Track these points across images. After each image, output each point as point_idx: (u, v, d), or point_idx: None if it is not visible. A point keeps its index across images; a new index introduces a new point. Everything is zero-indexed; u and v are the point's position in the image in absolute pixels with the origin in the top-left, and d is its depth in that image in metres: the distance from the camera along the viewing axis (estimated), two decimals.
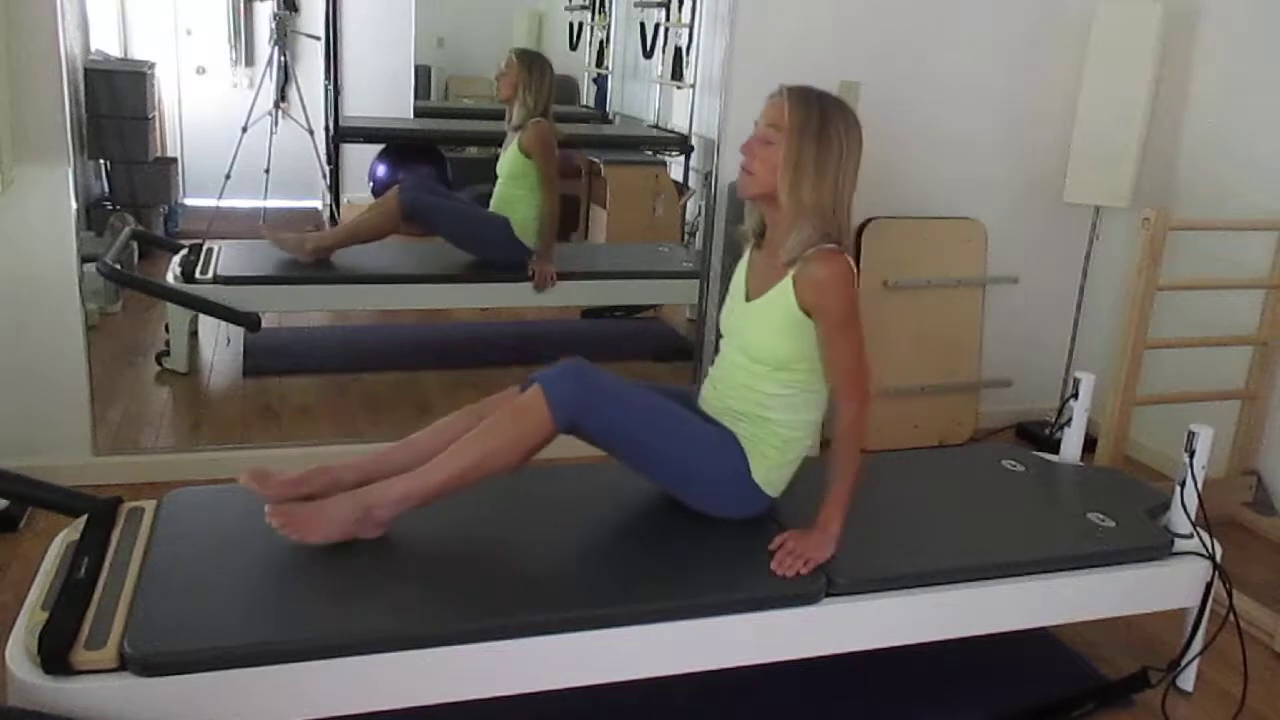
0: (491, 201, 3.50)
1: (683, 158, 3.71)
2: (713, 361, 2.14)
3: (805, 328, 1.94)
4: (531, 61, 3.38)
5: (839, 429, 1.98)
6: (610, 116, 3.88)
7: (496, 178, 3.49)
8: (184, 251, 3.32)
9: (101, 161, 3.22)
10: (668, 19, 3.67)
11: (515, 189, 3.45)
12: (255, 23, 3.34)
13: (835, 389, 1.97)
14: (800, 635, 1.92)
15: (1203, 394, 3.15)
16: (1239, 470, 3.18)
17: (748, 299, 2.04)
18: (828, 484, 1.98)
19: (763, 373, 1.98)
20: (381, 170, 3.58)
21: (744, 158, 1.98)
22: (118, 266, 3.11)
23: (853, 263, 1.93)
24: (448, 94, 3.69)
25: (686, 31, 3.54)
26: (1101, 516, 2.26)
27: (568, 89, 3.86)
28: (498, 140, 3.50)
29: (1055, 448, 2.62)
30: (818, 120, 1.91)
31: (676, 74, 3.62)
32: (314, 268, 3.38)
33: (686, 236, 3.76)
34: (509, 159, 3.45)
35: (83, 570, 1.72)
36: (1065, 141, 3.53)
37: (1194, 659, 2.26)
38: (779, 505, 2.13)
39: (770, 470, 2.03)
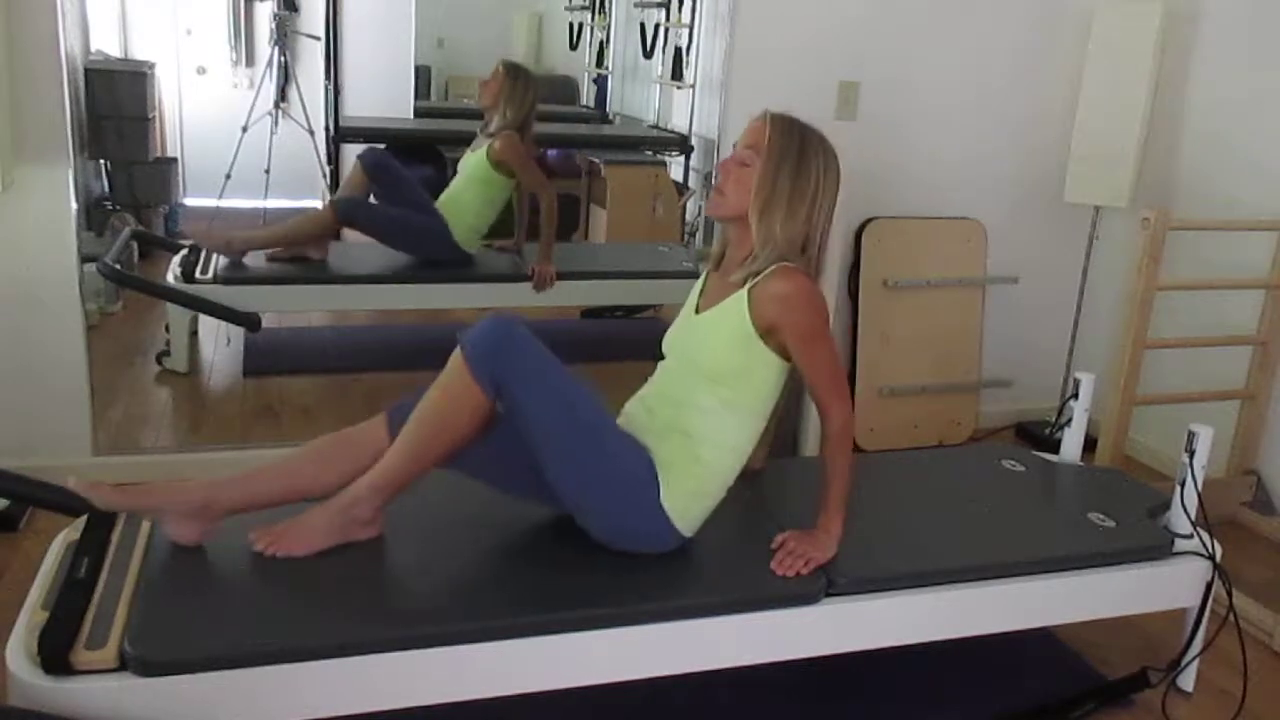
0: (442, 196, 3.46)
1: (683, 158, 3.71)
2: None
3: (752, 344, 1.88)
4: (517, 75, 3.38)
5: (828, 434, 1.94)
6: (610, 116, 3.88)
7: None
8: (184, 251, 3.32)
9: (101, 161, 3.21)
10: (668, 19, 3.67)
11: (469, 192, 3.44)
12: (255, 23, 3.33)
13: (818, 400, 1.93)
14: (800, 635, 1.92)
15: (1203, 394, 3.15)
16: (1239, 470, 3.18)
17: (697, 313, 1.99)
18: (823, 487, 1.96)
19: (697, 385, 1.91)
20: None
21: (718, 177, 1.94)
22: (118, 266, 3.11)
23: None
24: (447, 94, 3.69)
25: (686, 31, 3.55)
26: (1101, 516, 2.26)
27: (568, 89, 3.86)
28: None
29: (1055, 448, 2.62)
30: (797, 151, 1.88)
31: (676, 74, 3.62)
32: (314, 267, 3.39)
33: (686, 236, 3.76)
34: (474, 162, 3.42)
35: (83, 570, 1.72)
36: (1065, 141, 3.53)
37: (1194, 659, 2.26)
38: (778, 506, 2.14)
39: (684, 497, 1.90)
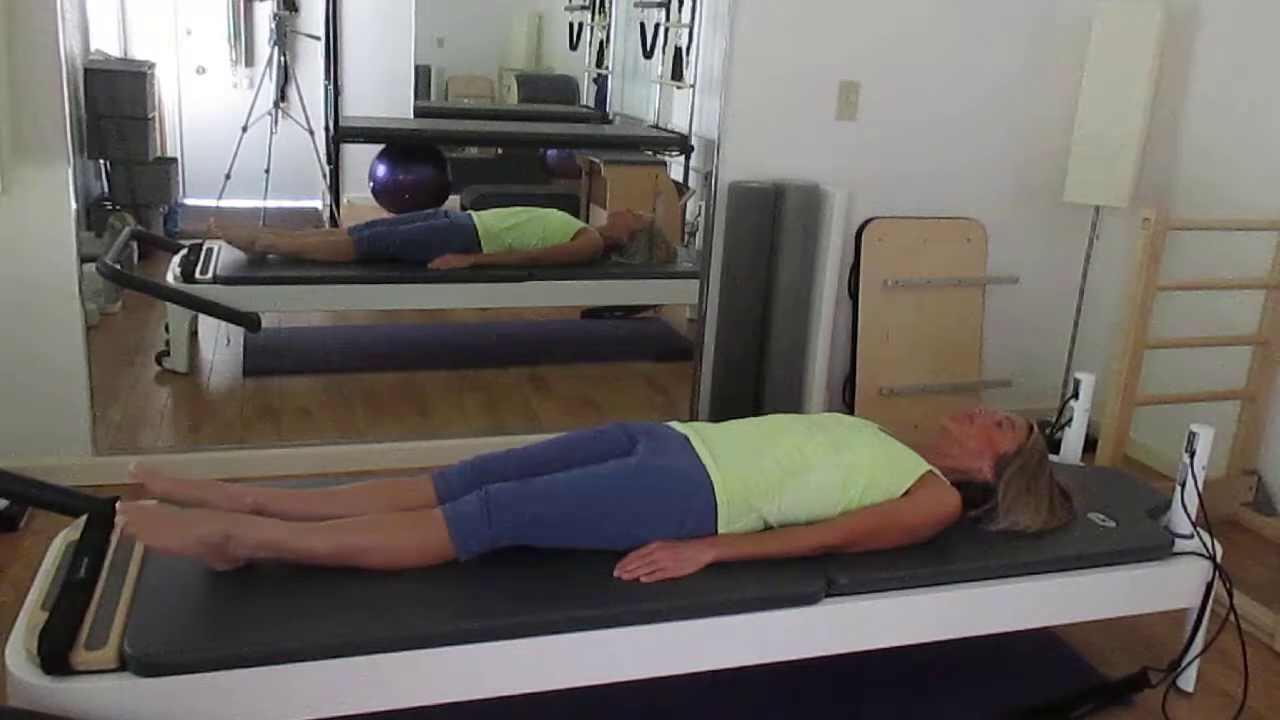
0: (510, 213, 3.55)
1: (683, 158, 3.71)
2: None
3: (875, 490, 2.02)
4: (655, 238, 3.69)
5: (815, 528, 1.98)
6: (610, 116, 3.88)
7: (496, 177, 3.50)
8: (184, 251, 3.32)
9: (101, 161, 3.21)
10: (668, 19, 3.67)
11: (534, 234, 3.55)
12: (255, 23, 3.33)
13: (850, 517, 1.99)
14: (800, 635, 1.92)
15: (1203, 394, 3.15)
16: (1239, 470, 3.18)
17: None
18: (759, 533, 1.96)
19: (832, 462, 2.02)
20: (382, 170, 3.58)
21: (969, 411, 2.21)
22: (118, 266, 3.11)
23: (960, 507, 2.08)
24: (448, 94, 3.69)
25: (686, 31, 3.54)
26: (1102, 517, 2.26)
27: (568, 89, 3.86)
28: (497, 140, 3.50)
29: (1055, 448, 2.61)
30: (1049, 470, 2.20)
31: (676, 74, 3.62)
32: (314, 267, 3.39)
33: (686, 236, 3.76)
34: (558, 224, 3.59)
35: (83, 570, 1.72)
36: (1065, 142, 3.53)
37: (1194, 659, 2.26)
38: None
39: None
